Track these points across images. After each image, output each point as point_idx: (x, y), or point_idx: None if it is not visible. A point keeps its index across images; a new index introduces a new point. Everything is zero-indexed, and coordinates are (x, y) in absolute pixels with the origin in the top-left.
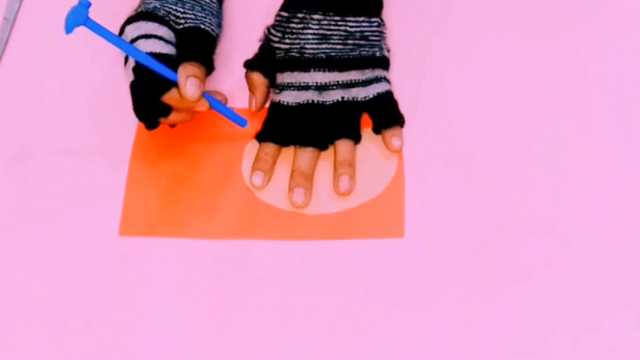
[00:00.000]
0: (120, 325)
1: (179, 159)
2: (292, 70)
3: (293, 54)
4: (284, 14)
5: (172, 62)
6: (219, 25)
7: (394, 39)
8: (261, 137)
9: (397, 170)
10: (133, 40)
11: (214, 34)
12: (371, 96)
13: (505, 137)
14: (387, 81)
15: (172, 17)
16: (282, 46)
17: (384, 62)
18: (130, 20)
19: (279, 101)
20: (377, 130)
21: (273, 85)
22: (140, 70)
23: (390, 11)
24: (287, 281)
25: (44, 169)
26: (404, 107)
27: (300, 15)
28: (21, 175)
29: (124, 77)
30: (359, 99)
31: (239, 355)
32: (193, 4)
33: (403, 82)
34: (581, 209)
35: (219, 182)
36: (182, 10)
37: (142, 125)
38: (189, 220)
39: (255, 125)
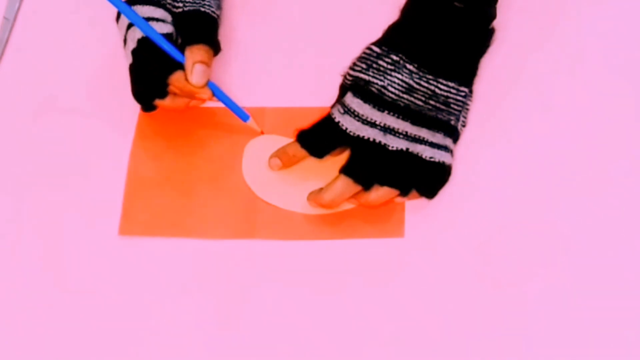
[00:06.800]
0: (120, 325)
1: (178, 158)
2: (365, 101)
3: (372, 88)
4: (377, 49)
5: (172, 42)
6: (219, 7)
7: None
8: (302, 138)
9: None
10: (130, 25)
11: (214, 15)
12: (436, 160)
13: (505, 137)
14: (452, 155)
15: (169, 1)
16: (363, 76)
17: (455, 134)
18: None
19: (339, 122)
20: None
21: (338, 100)
22: (144, 51)
23: None
24: (287, 281)
25: (44, 169)
26: None
27: (394, 57)
28: (20, 174)
29: (123, 76)
30: (424, 157)
31: (239, 354)
32: None
33: None
34: (581, 209)
35: (219, 182)
36: None
37: (142, 123)
38: (189, 220)
39: (256, 124)
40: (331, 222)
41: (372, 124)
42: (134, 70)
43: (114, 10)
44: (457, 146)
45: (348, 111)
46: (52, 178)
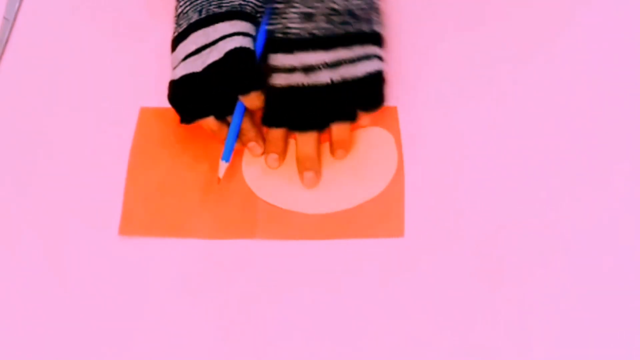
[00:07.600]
0: (120, 325)
1: (178, 158)
2: (276, 51)
3: (278, 35)
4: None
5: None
6: None
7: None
8: (265, 121)
9: (397, 170)
10: (227, 36)
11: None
12: (360, 75)
13: (505, 136)
14: (380, 59)
15: (258, 14)
16: (270, 28)
17: (374, 38)
18: (222, 18)
19: (272, 84)
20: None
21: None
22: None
23: None
24: (287, 281)
25: (44, 169)
26: (404, 103)
27: None
28: (21, 174)
29: (123, 77)
30: (348, 79)
31: (239, 355)
32: None
33: (404, 80)
34: (581, 209)
35: (219, 181)
36: (260, 3)
37: (141, 124)
38: (189, 220)
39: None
40: (331, 222)
41: (293, 70)
42: (205, 78)
43: (113, 10)
44: (456, 146)
45: (273, 70)
46: (52, 178)
